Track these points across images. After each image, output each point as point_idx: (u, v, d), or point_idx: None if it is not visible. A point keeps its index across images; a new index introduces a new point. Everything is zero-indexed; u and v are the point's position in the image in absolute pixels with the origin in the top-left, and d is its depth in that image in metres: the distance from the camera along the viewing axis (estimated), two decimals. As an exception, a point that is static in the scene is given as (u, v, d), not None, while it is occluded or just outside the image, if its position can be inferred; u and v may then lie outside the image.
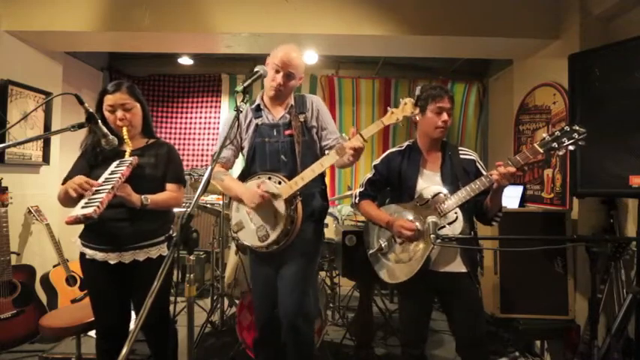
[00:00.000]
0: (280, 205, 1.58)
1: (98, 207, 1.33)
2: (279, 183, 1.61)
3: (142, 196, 1.58)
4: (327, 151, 1.72)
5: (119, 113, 1.64)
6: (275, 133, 1.70)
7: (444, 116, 1.61)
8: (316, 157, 1.71)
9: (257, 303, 1.78)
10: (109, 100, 1.65)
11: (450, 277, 1.59)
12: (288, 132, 1.69)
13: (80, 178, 1.46)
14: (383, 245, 1.69)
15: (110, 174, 1.53)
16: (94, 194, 1.42)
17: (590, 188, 2.00)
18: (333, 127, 1.78)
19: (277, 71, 1.67)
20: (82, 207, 1.36)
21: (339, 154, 1.51)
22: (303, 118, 1.72)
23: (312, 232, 1.71)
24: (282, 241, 1.61)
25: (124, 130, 1.63)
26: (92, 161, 1.66)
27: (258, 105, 1.77)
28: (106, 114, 1.66)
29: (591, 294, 1.43)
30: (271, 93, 1.71)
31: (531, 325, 2.26)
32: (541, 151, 1.40)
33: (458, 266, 1.59)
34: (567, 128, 1.38)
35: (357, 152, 1.46)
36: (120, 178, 1.47)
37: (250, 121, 1.75)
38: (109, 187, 1.43)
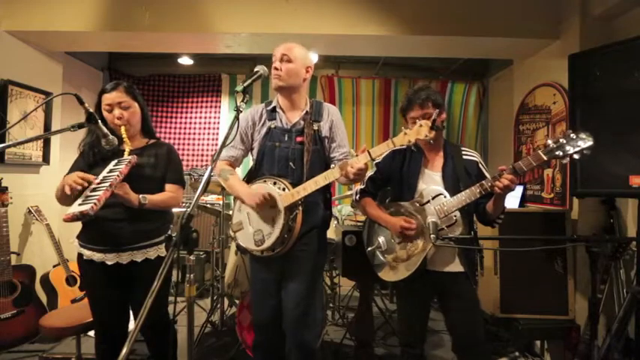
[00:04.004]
0: (280, 213, 1.57)
1: (95, 204, 1.32)
2: (283, 189, 1.59)
3: (140, 196, 1.57)
4: (333, 163, 1.71)
5: (116, 112, 1.64)
6: (286, 139, 1.68)
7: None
8: (326, 167, 1.69)
9: (255, 306, 1.76)
10: (106, 99, 1.65)
11: (447, 277, 1.59)
12: (299, 139, 1.66)
13: (76, 174, 1.45)
14: (381, 243, 1.69)
15: (108, 172, 1.52)
16: (91, 192, 1.42)
17: (590, 188, 2.00)
18: (343, 140, 1.74)
19: (274, 61, 1.67)
20: (79, 204, 1.36)
21: (342, 169, 1.49)
22: (317, 126, 1.69)
23: (316, 242, 1.68)
24: (277, 249, 1.60)
25: (123, 129, 1.63)
26: (90, 161, 1.65)
27: (274, 107, 1.74)
28: (105, 113, 1.65)
29: (591, 294, 1.43)
30: (274, 83, 1.67)
31: (531, 325, 2.26)
32: (545, 158, 1.38)
33: (455, 266, 1.59)
34: (573, 136, 1.34)
35: (360, 171, 1.44)
36: (118, 176, 1.46)
37: (264, 123, 1.73)
38: (107, 184, 1.42)
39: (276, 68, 1.66)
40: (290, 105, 1.73)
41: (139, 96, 1.73)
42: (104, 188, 1.41)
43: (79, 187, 1.42)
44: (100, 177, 1.51)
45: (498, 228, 1.68)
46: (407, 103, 1.66)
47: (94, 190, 1.43)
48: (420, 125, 1.40)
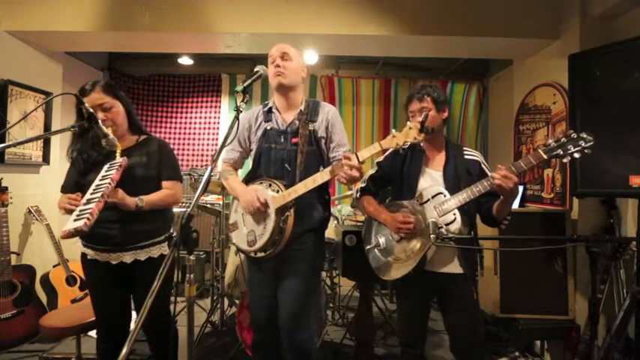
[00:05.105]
0: (271, 214, 1.57)
1: (88, 219, 1.31)
2: (277, 191, 1.59)
3: (137, 199, 1.55)
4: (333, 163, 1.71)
5: (99, 114, 1.56)
6: (282, 140, 1.67)
7: (417, 118, 1.59)
8: (324, 167, 1.69)
9: (253, 306, 1.76)
10: (85, 102, 1.56)
11: (446, 277, 1.59)
12: (295, 140, 1.66)
13: (66, 197, 1.46)
14: (380, 242, 1.69)
15: (100, 180, 1.49)
16: (85, 204, 1.40)
17: (590, 188, 2.00)
18: (342, 139, 1.72)
19: (273, 61, 1.67)
20: (74, 220, 1.35)
21: (332, 172, 1.48)
22: (313, 127, 1.68)
23: (312, 243, 1.68)
24: (268, 250, 1.60)
25: (109, 130, 1.56)
26: (81, 168, 1.63)
27: (270, 108, 1.74)
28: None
29: (591, 294, 1.42)
30: (275, 81, 1.66)
31: (531, 325, 2.26)
32: (545, 157, 1.37)
33: (454, 267, 1.59)
34: (574, 135, 1.35)
35: (351, 173, 1.43)
36: (110, 183, 1.44)
37: (260, 124, 1.73)
38: (99, 195, 1.40)
39: (278, 66, 1.65)
40: (287, 105, 1.73)
41: (119, 93, 1.67)
42: (96, 200, 1.39)
43: (73, 208, 1.41)
44: (93, 186, 1.49)
45: (498, 228, 1.68)
46: (408, 98, 1.68)
47: (88, 201, 1.41)
48: (410, 128, 1.40)
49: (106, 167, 1.55)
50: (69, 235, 1.30)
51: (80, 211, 1.37)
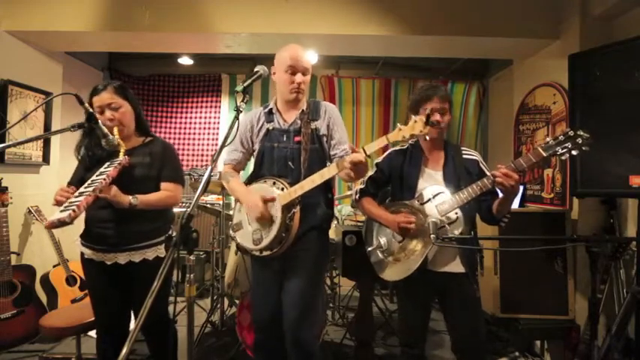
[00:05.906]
0: (277, 212, 1.57)
1: (74, 211, 1.30)
2: (282, 189, 1.59)
3: (131, 197, 1.55)
4: (334, 160, 1.71)
5: (107, 113, 1.61)
6: (285, 139, 1.68)
7: (436, 117, 1.59)
8: (325, 165, 1.69)
9: (255, 306, 1.76)
10: (96, 101, 1.62)
11: (448, 277, 1.59)
12: (297, 138, 1.67)
13: (60, 189, 1.47)
14: (382, 243, 1.69)
15: (97, 175, 1.51)
16: (76, 197, 1.40)
17: (590, 188, 2.00)
18: (343, 137, 1.73)
19: (293, 72, 1.64)
20: (61, 211, 1.35)
21: (339, 167, 1.48)
22: (315, 125, 1.69)
23: (317, 242, 1.68)
24: (274, 248, 1.60)
25: (115, 130, 1.60)
26: (87, 165, 1.64)
27: (271, 109, 1.74)
28: (97, 116, 1.61)
29: (591, 294, 1.42)
30: (293, 96, 1.67)
31: (531, 325, 2.26)
32: (544, 154, 1.39)
33: (456, 267, 1.59)
34: (571, 133, 1.37)
35: (357, 167, 1.42)
36: (104, 179, 1.44)
37: (262, 125, 1.73)
38: (91, 189, 1.41)
39: (299, 83, 1.65)
40: (288, 107, 1.73)
41: (129, 94, 1.70)
42: (87, 194, 1.39)
43: (64, 200, 1.41)
44: (89, 180, 1.50)
45: (498, 228, 1.68)
46: (425, 96, 1.62)
47: (80, 194, 1.41)
48: (415, 121, 1.38)
49: (106, 164, 1.56)
50: (52, 225, 1.29)
51: (69, 202, 1.37)
